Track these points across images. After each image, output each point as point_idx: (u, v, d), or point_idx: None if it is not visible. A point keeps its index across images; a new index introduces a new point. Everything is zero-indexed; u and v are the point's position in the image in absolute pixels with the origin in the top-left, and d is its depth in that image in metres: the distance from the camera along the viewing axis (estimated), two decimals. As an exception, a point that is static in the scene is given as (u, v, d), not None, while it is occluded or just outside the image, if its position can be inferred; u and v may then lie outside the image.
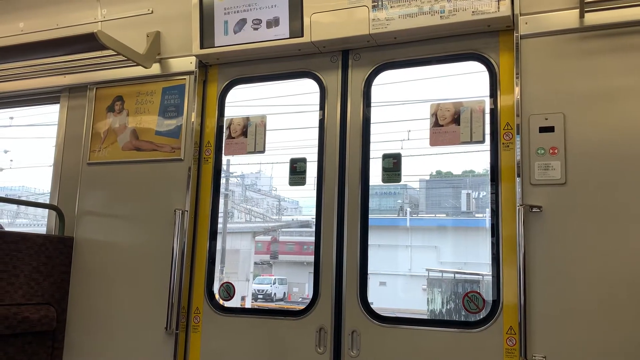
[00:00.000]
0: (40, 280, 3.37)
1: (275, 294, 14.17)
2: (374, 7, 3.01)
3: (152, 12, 3.69)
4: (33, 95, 4.07)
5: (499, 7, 2.78)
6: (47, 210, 3.85)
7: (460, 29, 2.93)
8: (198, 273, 3.36)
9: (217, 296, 3.36)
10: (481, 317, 2.78)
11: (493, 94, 2.91)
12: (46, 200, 3.96)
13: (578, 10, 2.66)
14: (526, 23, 2.78)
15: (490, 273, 2.82)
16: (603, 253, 2.52)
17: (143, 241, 3.44)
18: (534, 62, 2.76)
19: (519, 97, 2.74)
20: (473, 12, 2.82)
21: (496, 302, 2.73)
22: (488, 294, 2.81)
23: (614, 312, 2.47)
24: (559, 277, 2.57)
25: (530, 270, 2.61)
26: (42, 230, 4.12)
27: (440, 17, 2.88)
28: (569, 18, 2.71)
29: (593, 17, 2.66)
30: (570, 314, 2.53)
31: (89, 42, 3.24)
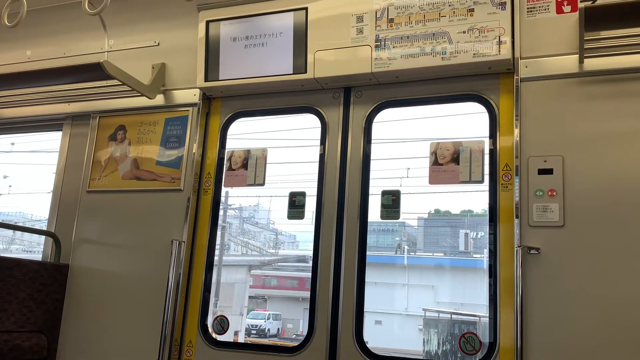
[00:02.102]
0: (34, 308, 3.33)
1: (269, 329, 13.99)
2: (376, 46, 3.06)
3: (158, 44, 3.75)
4: (36, 122, 4.11)
5: (499, 50, 2.82)
6: (42, 237, 3.84)
7: (461, 70, 2.97)
8: (192, 305, 3.33)
9: (210, 329, 3.32)
10: (477, 358, 2.74)
11: (492, 135, 2.94)
12: (43, 227, 3.94)
13: (577, 55, 2.70)
14: (526, 66, 2.83)
15: (488, 314, 2.79)
16: (601, 296, 2.50)
17: (139, 271, 3.41)
18: (534, 104, 2.79)
19: (518, 138, 2.77)
20: (474, 54, 2.87)
21: (493, 344, 2.70)
22: (485, 336, 2.78)
23: (612, 356, 2.44)
24: (556, 320, 2.55)
25: (528, 312, 2.58)
26: (34, 257, 4.09)
27: (442, 58, 2.93)
28: (569, 63, 2.75)
29: (592, 63, 2.70)
30: (568, 358, 2.50)
31: (94, 71, 3.28)
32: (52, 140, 4.28)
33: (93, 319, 3.45)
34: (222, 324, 3.32)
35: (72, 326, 3.49)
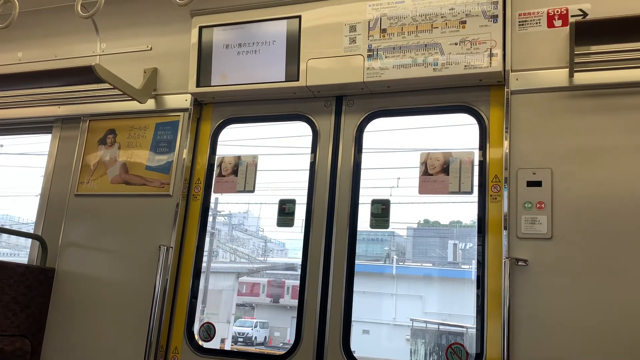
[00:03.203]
0: (18, 311, 3.29)
1: (256, 337, 13.92)
2: (369, 56, 3.08)
3: (150, 48, 3.74)
4: (26, 124, 4.08)
5: (490, 63, 2.84)
6: (29, 240, 3.80)
7: (453, 81, 2.99)
8: (179, 312, 3.31)
9: (196, 336, 3.29)
10: (464, 370, 2.74)
11: (482, 147, 2.95)
12: (29, 230, 3.91)
13: (568, 69, 2.73)
14: (517, 79, 2.85)
15: (475, 325, 2.79)
16: (588, 309, 2.51)
17: (126, 276, 3.38)
18: (524, 117, 2.81)
19: (507, 150, 2.78)
20: (465, 66, 2.89)
21: (479, 355, 2.70)
22: (472, 347, 2.78)
23: (597, 371, 2.44)
24: (543, 332, 2.55)
25: (515, 324, 2.59)
26: (19, 260, 4.05)
27: (434, 69, 2.94)
28: (559, 77, 2.78)
29: (582, 77, 2.73)
30: (554, 371, 2.51)
31: (86, 74, 3.27)
32: (41, 142, 4.25)
33: (78, 323, 3.41)
34: (209, 331, 3.30)
35: (56, 331, 3.45)
